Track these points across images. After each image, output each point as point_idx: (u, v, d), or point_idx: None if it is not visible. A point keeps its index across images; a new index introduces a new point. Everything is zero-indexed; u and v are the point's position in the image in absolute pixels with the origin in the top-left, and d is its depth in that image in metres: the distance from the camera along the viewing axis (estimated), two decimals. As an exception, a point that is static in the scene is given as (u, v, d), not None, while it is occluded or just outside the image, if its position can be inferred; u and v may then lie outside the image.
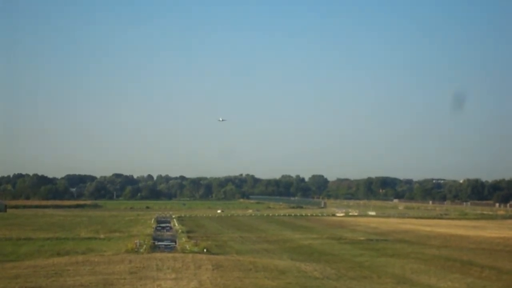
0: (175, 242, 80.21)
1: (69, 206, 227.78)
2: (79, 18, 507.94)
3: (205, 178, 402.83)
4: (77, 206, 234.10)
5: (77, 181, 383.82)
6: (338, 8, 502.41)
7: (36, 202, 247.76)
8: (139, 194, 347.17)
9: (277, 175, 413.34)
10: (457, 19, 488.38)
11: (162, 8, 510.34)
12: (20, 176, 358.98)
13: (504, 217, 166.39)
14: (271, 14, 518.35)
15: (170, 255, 60.26)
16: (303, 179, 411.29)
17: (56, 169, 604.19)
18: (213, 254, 64.23)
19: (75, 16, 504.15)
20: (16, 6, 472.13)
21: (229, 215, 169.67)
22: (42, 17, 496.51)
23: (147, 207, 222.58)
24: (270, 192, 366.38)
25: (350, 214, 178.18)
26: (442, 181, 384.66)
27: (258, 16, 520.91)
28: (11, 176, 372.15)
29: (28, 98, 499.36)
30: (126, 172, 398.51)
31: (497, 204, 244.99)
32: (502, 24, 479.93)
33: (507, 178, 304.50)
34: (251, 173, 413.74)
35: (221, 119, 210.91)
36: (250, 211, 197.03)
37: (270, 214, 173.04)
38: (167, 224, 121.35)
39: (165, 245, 76.64)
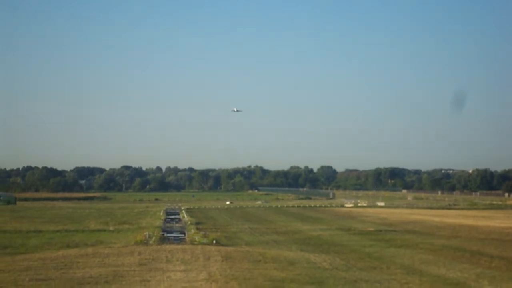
0: (184, 233, 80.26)
1: (78, 199, 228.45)
2: (92, 13, 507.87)
3: (214, 170, 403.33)
4: (86, 198, 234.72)
5: (86, 173, 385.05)
6: (342, 7, 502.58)
7: (45, 195, 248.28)
8: (148, 186, 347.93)
9: (285, 167, 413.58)
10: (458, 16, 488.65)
11: (169, 4, 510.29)
12: (29, 168, 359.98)
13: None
14: (279, 10, 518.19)
15: (179, 246, 60.28)
16: (311, 170, 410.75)
17: (65, 162, 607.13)
18: (223, 245, 64.24)
19: (88, 10, 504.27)
20: (16, 4, 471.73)
21: (238, 206, 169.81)
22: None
23: (156, 199, 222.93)
24: (278, 183, 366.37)
25: (359, 205, 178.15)
26: (451, 171, 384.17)
27: (267, 12, 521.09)
28: (20, 169, 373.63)
29: (36, 91, 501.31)
30: (135, 164, 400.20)
31: (506, 194, 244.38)
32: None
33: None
34: (259, 165, 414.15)
35: (235, 110, 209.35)
36: (259, 202, 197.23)
37: (279, 205, 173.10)
38: (176, 216, 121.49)
39: (174, 236, 76.69)
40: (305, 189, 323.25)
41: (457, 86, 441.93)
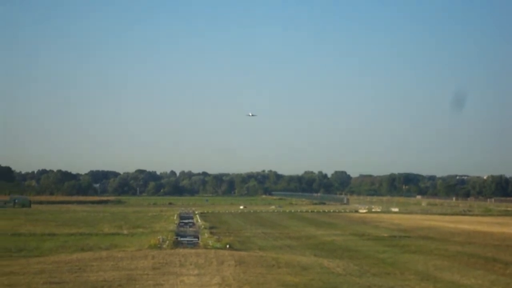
0: (198, 238, 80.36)
1: (93, 202, 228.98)
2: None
3: (228, 174, 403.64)
4: (101, 202, 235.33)
5: (100, 177, 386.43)
6: (342, 7, 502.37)
7: (60, 198, 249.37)
8: (162, 190, 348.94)
9: (299, 172, 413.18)
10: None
11: (169, 4, 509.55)
12: (44, 172, 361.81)
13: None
14: (279, 10, 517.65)
15: (193, 251, 60.39)
16: (325, 175, 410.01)
17: (79, 165, 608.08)
18: (236, 250, 64.27)
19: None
20: (15, 3, 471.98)
21: (251, 211, 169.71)
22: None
23: (170, 203, 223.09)
24: (292, 188, 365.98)
25: (373, 210, 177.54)
26: (465, 177, 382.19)
27: (280, 13, 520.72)
28: (35, 172, 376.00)
29: (51, 94, 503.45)
30: (149, 168, 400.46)
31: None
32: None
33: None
34: (273, 169, 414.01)
35: (250, 114, 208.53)
36: (273, 207, 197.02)
37: (293, 210, 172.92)
38: (190, 220, 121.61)
39: (187, 241, 76.80)
40: (319, 194, 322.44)
41: (457, 86, 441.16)
